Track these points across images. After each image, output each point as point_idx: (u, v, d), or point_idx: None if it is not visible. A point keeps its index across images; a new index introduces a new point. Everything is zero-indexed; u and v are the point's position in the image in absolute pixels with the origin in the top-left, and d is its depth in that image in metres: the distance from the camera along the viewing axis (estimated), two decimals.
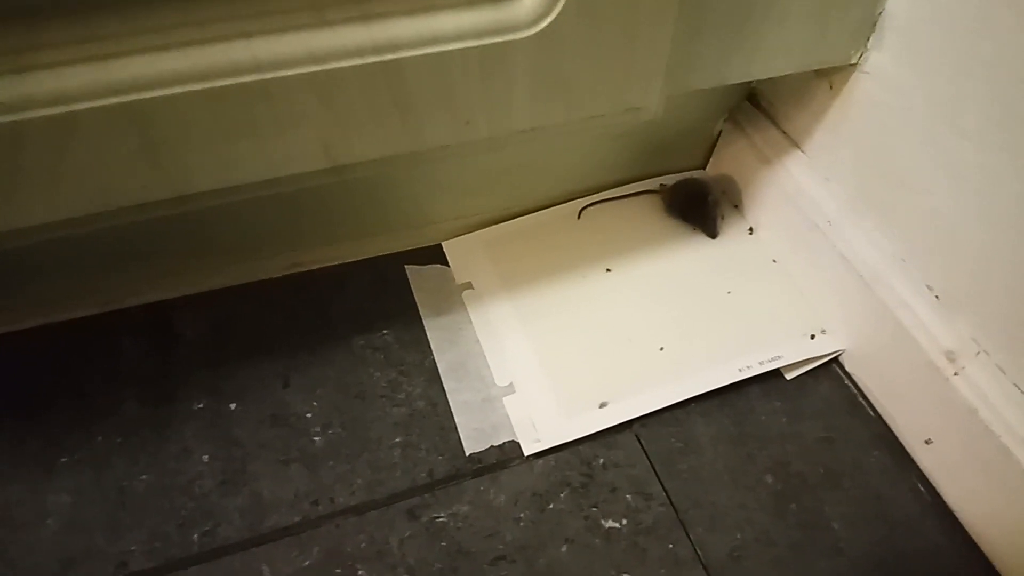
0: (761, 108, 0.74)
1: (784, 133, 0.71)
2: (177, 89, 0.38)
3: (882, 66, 0.58)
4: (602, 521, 0.56)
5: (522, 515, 0.56)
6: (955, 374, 0.55)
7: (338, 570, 0.53)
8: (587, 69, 0.47)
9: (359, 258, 0.72)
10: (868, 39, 0.58)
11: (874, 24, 0.57)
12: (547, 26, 0.43)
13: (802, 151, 0.69)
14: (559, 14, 0.43)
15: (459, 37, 0.42)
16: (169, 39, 0.38)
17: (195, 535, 0.54)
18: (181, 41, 0.38)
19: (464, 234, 0.74)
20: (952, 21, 0.51)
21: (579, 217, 0.75)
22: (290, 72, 0.39)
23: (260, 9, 0.38)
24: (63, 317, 0.65)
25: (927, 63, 0.54)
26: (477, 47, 0.43)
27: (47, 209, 0.42)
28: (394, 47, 0.41)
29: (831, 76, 0.62)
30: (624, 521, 0.56)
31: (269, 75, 0.39)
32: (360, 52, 0.40)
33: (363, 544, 0.54)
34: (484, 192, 0.72)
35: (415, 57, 0.42)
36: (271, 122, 0.41)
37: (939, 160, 0.55)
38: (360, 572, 0.53)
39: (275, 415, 0.61)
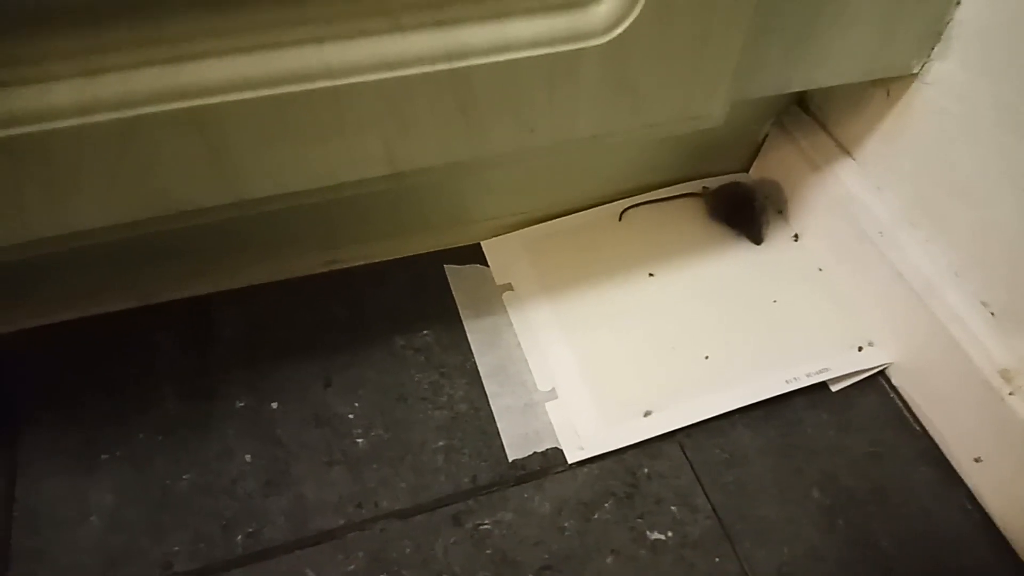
0: (810, 113, 0.72)
1: (834, 139, 0.69)
2: (246, 95, 0.37)
3: (947, 75, 0.56)
4: (648, 533, 0.56)
5: (567, 524, 0.56)
6: (1010, 393, 0.54)
7: None
8: (655, 76, 0.46)
9: (397, 256, 0.71)
10: (932, 49, 0.56)
11: (940, 34, 0.55)
12: (620, 33, 0.42)
13: (853, 158, 0.68)
14: (633, 21, 0.42)
15: (532, 45, 0.41)
16: (239, 43, 0.37)
17: (239, 537, 0.54)
18: (252, 45, 0.37)
19: (503, 234, 0.73)
20: None
21: (620, 219, 0.74)
22: (361, 79, 0.38)
23: (333, 13, 0.37)
24: (99, 311, 0.65)
25: (997, 72, 0.52)
26: (548, 55, 0.41)
27: (104, 213, 0.41)
28: (466, 54, 0.40)
29: (888, 84, 0.61)
30: (670, 533, 0.56)
31: (340, 81, 0.38)
32: (432, 59, 0.39)
33: (408, 550, 0.54)
34: (525, 192, 0.71)
35: (486, 64, 0.40)
36: (337, 129, 0.40)
37: (1004, 171, 0.54)
38: None
39: (317, 415, 0.60)
